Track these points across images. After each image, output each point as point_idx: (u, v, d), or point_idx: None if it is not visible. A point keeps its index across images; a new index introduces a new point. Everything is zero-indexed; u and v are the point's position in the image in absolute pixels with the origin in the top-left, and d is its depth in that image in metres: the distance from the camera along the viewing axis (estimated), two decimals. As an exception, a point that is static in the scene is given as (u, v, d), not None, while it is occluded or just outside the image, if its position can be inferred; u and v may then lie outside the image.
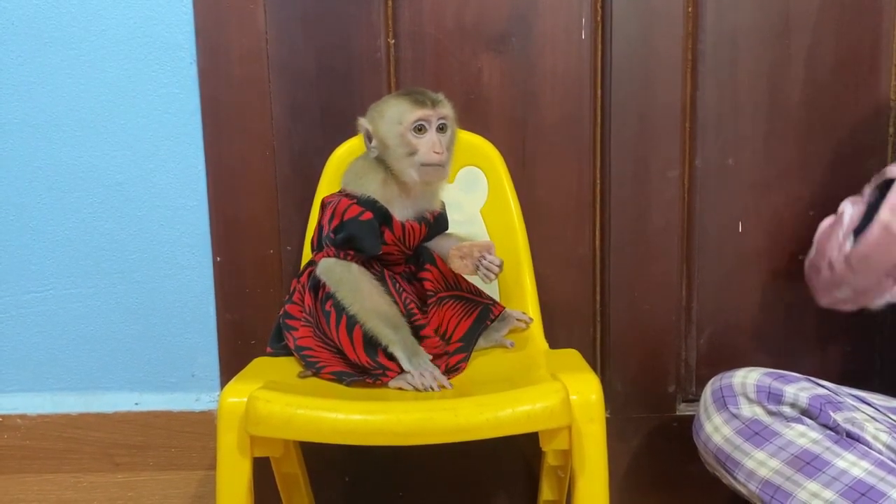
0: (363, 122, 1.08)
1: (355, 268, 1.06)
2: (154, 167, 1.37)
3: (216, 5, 1.31)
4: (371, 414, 0.92)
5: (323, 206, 1.12)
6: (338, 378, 1.05)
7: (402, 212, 1.09)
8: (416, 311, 1.07)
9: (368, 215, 1.05)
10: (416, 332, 1.04)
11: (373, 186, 1.07)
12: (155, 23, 1.33)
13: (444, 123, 1.06)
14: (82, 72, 1.34)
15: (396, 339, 1.03)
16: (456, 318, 1.13)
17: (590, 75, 1.34)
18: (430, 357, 1.04)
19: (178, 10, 1.32)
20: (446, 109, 1.07)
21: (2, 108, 1.35)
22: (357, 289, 1.05)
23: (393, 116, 1.05)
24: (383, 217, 1.07)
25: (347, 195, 1.09)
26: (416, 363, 1.02)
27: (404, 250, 1.11)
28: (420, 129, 1.05)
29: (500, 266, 1.09)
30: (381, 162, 1.08)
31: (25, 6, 1.32)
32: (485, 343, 1.17)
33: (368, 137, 1.08)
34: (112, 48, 1.33)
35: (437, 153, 1.04)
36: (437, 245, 1.16)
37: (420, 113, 1.04)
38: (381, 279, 1.07)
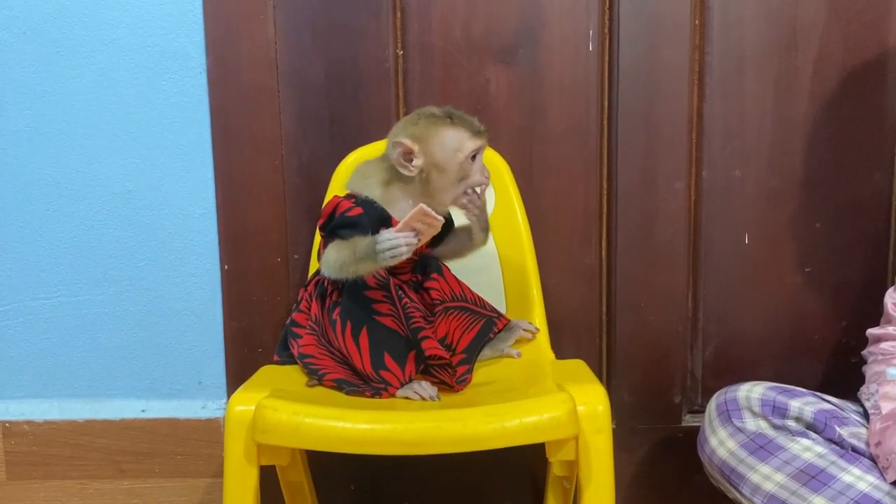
0: (406, 142, 1.06)
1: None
2: (163, 175, 1.37)
3: (226, 15, 1.32)
4: (378, 423, 0.92)
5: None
6: (338, 386, 1.05)
7: (403, 215, 1.09)
8: (415, 314, 1.06)
9: (357, 211, 1.06)
10: (416, 335, 1.04)
11: (374, 189, 1.08)
12: (165, 32, 1.33)
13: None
14: (92, 81, 1.35)
15: (360, 252, 1.01)
16: (460, 330, 1.13)
17: (597, 87, 1.35)
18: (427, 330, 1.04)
19: (188, 20, 1.33)
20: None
21: (12, 116, 1.36)
22: (340, 249, 1.04)
23: (452, 145, 1.06)
24: (380, 217, 1.07)
25: (347, 196, 1.09)
26: (381, 242, 1.00)
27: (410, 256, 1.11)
28: (474, 157, 1.08)
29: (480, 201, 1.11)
30: (387, 166, 1.09)
31: (36, 15, 1.33)
32: (491, 353, 1.17)
33: (408, 158, 1.07)
34: (122, 57, 1.34)
35: (486, 175, 1.09)
36: (450, 243, 1.16)
37: (480, 143, 1.08)
38: (386, 287, 1.07)
